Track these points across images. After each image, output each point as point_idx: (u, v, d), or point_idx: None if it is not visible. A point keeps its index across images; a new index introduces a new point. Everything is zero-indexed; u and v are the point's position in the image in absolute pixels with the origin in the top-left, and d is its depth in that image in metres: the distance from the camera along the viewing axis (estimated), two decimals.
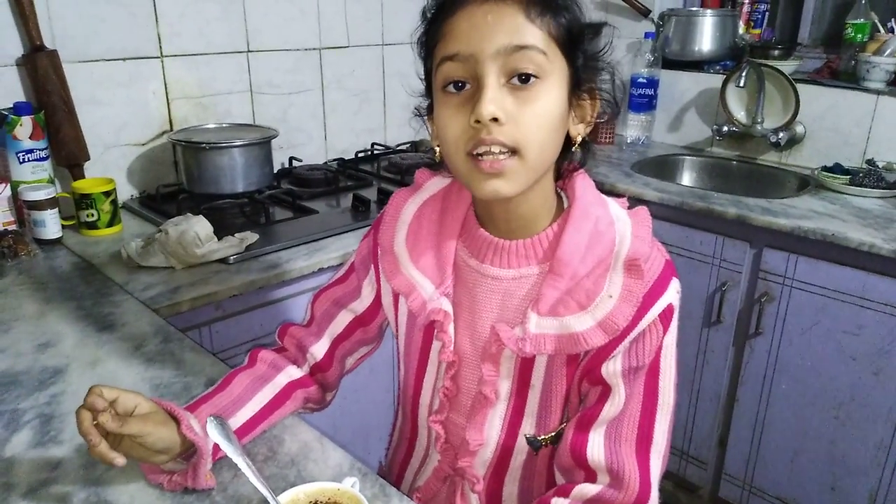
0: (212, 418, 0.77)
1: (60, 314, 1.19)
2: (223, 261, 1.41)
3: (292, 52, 2.00)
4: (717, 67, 2.39)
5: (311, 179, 1.90)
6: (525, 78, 0.70)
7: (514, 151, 0.70)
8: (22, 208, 1.49)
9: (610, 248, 0.78)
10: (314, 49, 2.05)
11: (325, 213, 1.70)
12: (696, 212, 1.85)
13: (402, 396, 0.97)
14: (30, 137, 1.51)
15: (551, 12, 0.71)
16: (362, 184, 1.92)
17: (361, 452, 0.92)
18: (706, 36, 2.38)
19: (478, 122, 0.69)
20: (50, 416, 0.91)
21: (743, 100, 2.28)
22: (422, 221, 0.87)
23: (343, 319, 0.96)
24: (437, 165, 0.82)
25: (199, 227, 1.39)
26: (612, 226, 0.79)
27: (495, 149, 0.70)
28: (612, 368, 0.78)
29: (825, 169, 2.00)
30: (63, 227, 1.52)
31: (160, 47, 1.74)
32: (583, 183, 0.82)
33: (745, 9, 2.47)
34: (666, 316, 0.77)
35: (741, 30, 2.45)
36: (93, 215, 1.53)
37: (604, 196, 0.83)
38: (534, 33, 0.70)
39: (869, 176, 1.89)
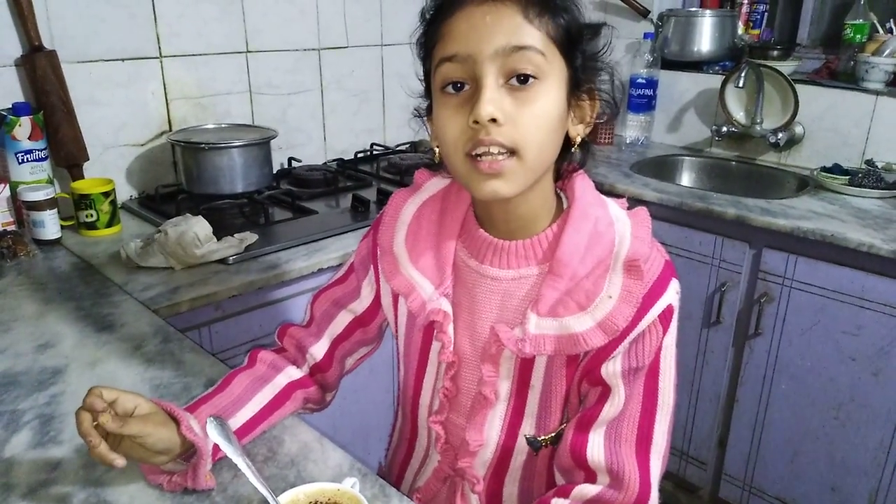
0: (212, 419, 0.77)
1: (60, 315, 1.19)
2: (222, 261, 1.41)
3: (291, 53, 2.00)
4: (717, 68, 2.39)
5: (311, 180, 1.90)
6: (524, 79, 0.70)
7: (512, 152, 0.70)
8: (21, 209, 1.49)
9: (609, 248, 0.78)
10: (313, 49, 2.05)
11: (325, 214, 1.70)
12: (695, 212, 1.85)
13: (402, 397, 0.97)
14: (29, 138, 1.51)
15: (550, 13, 0.71)
16: (362, 184, 1.92)
17: (361, 453, 0.92)
18: (705, 36, 2.38)
19: (476, 122, 0.69)
20: (49, 416, 0.91)
21: (742, 100, 2.28)
22: (421, 222, 0.87)
23: (342, 320, 0.96)
24: (437, 166, 0.82)
25: (198, 227, 1.39)
26: (612, 226, 0.79)
27: (494, 149, 0.70)
28: (612, 369, 0.78)
29: (824, 169, 2.00)
30: (62, 227, 1.52)
31: (159, 48, 1.74)
32: (582, 183, 0.82)
33: (744, 9, 2.47)
34: (665, 316, 0.77)
35: (740, 30, 2.46)
36: (92, 216, 1.53)
37: (603, 197, 0.83)
38: (532, 34, 0.70)
39: (868, 176, 1.90)
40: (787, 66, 2.19)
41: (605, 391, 0.79)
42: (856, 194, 1.88)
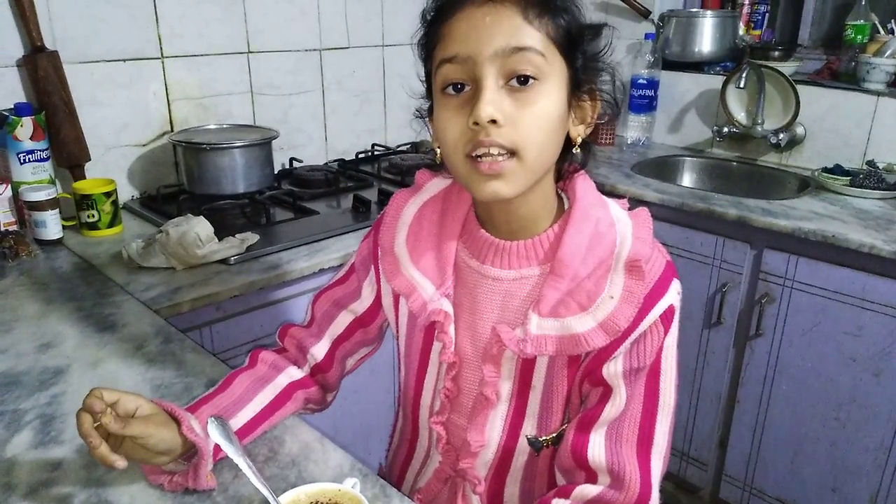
0: (212, 419, 0.77)
1: (61, 315, 1.19)
2: (224, 261, 1.41)
3: (293, 53, 2.00)
4: (718, 68, 2.39)
5: (312, 180, 1.90)
6: (524, 79, 0.70)
7: (512, 153, 0.70)
8: (23, 209, 1.49)
9: (611, 249, 0.78)
10: (314, 50, 2.05)
11: (326, 214, 1.70)
12: (696, 213, 1.85)
13: (403, 398, 0.97)
14: (30, 138, 1.51)
15: (550, 14, 0.71)
16: (363, 185, 1.92)
17: (362, 453, 0.92)
18: (706, 37, 2.37)
19: (476, 124, 0.69)
20: (51, 416, 0.91)
21: (743, 101, 2.28)
22: (422, 222, 0.87)
23: (343, 320, 0.96)
24: (438, 166, 0.82)
25: (199, 227, 1.39)
26: (613, 227, 0.79)
27: (494, 151, 0.70)
28: (613, 369, 0.78)
29: (825, 170, 2.00)
30: (64, 227, 1.52)
31: (161, 48, 1.75)
32: (583, 184, 0.82)
33: (746, 10, 2.47)
34: (667, 317, 0.77)
35: (741, 31, 2.45)
36: (93, 216, 1.53)
37: (604, 197, 0.83)
38: (532, 35, 0.70)
39: (869, 177, 1.89)
40: (788, 67, 2.19)
41: (607, 391, 0.79)
42: (857, 195, 1.88)
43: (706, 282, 1.88)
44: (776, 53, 2.24)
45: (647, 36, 2.40)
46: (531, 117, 0.70)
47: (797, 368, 1.76)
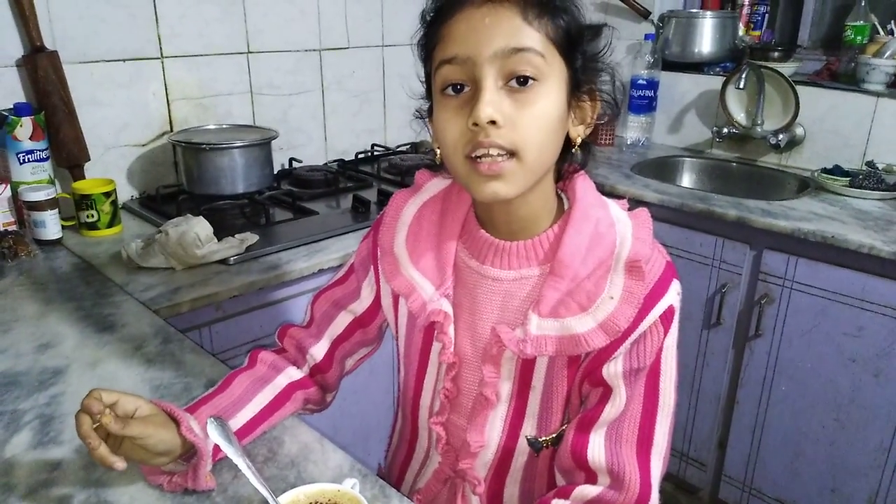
0: (212, 419, 0.77)
1: (60, 315, 1.19)
2: (223, 262, 1.41)
3: (292, 53, 2.00)
4: (717, 69, 2.39)
5: (312, 180, 1.90)
6: (523, 80, 0.70)
7: (512, 154, 0.70)
8: (22, 209, 1.49)
9: (611, 249, 0.78)
10: (314, 50, 2.05)
11: (326, 214, 1.70)
12: (696, 213, 1.85)
13: (402, 398, 0.96)
14: (30, 138, 1.51)
15: (549, 14, 0.71)
16: (362, 185, 1.92)
17: (361, 454, 0.92)
18: (706, 38, 2.38)
19: (476, 124, 0.69)
20: (50, 416, 0.91)
21: (743, 101, 2.28)
22: (422, 223, 0.86)
23: (342, 321, 0.96)
24: (438, 167, 0.82)
25: (199, 227, 1.39)
26: (613, 227, 0.79)
27: (493, 151, 0.70)
28: (613, 370, 0.78)
29: (825, 171, 2.00)
30: (63, 227, 1.52)
31: (160, 48, 1.74)
32: (583, 184, 0.82)
33: (745, 10, 2.47)
34: (667, 317, 0.77)
35: (741, 31, 2.45)
36: (93, 216, 1.53)
37: (604, 198, 0.83)
38: (531, 36, 0.70)
39: (869, 178, 1.89)
40: (787, 68, 2.19)
41: (606, 392, 0.79)
42: (856, 196, 1.88)
43: (706, 282, 1.88)
44: (776, 54, 2.24)
45: (646, 36, 2.40)
46: (531, 118, 0.70)
47: (797, 369, 1.76)
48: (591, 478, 0.79)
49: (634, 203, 0.87)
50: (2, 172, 1.52)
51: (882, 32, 2.08)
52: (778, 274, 1.74)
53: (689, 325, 1.91)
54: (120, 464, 0.72)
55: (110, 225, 1.55)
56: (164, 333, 1.13)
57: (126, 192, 1.76)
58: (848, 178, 1.92)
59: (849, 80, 2.10)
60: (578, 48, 0.74)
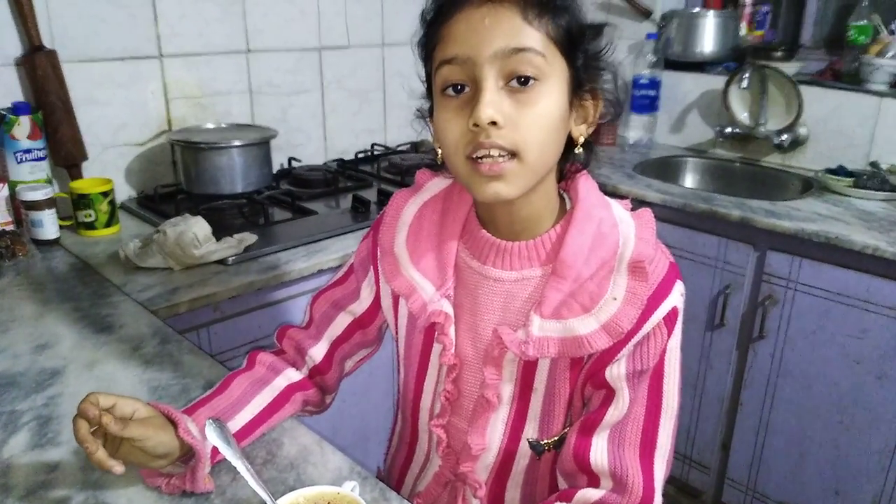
0: (210, 421, 0.76)
1: (58, 315, 1.18)
2: (222, 262, 1.40)
3: (292, 53, 2.00)
4: (720, 69, 2.38)
5: (311, 180, 1.90)
6: (524, 80, 0.69)
7: (513, 154, 0.70)
8: (19, 208, 1.48)
9: (613, 250, 0.77)
10: (314, 49, 2.04)
11: (325, 214, 1.69)
12: (699, 214, 1.84)
13: (402, 400, 0.96)
14: (28, 137, 1.50)
15: (550, 13, 0.70)
16: (362, 185, 1.91)
17: (361, 456, 0.91)
18: (708, 37, 2.37)
19: (476, 125, 0.68)
20: (48, 417, 0.91)
21: (746, 101, 2.28)
22: (422, 222, 0.86)
23: (342, 321, 0.95)
24: (439, 166, 0.81)
25: (197, 227, 1.38)
26: (616, 228, 0.79)
27: (494, 152, 0.69)
28: (616, 372, 0.77)
29: (828, 171, 2.00)
30: (61, 227, 1.51)
31: (159, 47, 1.74)
32: (586, 184, 0.81)
33: (748, 10, 2.46)
34: (670, 319, 0.77)
35: (743, 31, 2.45)
36: (91, 216, 1.52)
37: (607, 198, 0.82)
38: (532, 35, 0.69)
39: (872, 178, 1.89)
40: (790, 67, 2.18)
41: (609, 394, 0.78)
42: (860, 196, 1.87)
43: (709, 283, 1.87)
44: (779, 54, 2.24)
45: (648, 36, 2.40)
46: (532, 118, 0.70)
47: (800, 371, 1.75)
48: (594, 481, 0.79)
49: (637, 203, 0.86)
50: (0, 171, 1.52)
51: (885, 32, 2.07)
52: (781, 275, 1.73)
53: (692, 327, 1.90)
54: (118, 467, 0.72)
55: (108, 225, 1.55)
56: (162, 334, 1.12)
57: (124, 192, 1.76)
58: (852, 179, 1.91)
59: (852, 79, 2.09)
60: (580, 47, 0.74)
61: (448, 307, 0.82)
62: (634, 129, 2.46)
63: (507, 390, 0.82)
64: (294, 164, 2.03)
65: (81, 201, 1.51)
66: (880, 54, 2.01)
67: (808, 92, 2.09)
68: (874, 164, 1.98)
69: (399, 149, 2.27)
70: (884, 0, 2.16)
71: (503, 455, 0.85)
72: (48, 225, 1.47)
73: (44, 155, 1.54)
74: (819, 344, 1.70)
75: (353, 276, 0.95)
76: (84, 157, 1.64)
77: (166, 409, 0.78)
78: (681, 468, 2.07)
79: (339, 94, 2.14)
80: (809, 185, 2.00)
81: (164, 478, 0.78)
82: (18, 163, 1.51)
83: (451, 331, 0.83)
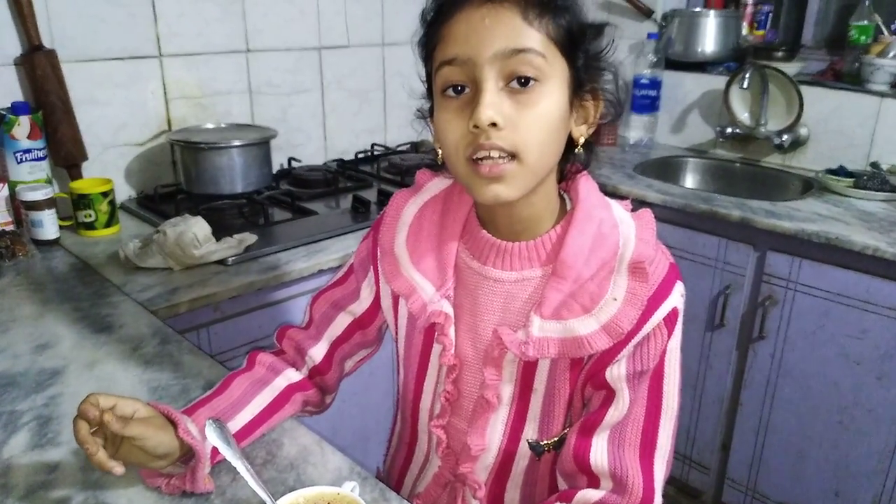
0: (210, 421, 0.76)
1: (58, 315, 1.18)
2: (221, 262, 1.40)
3: (292, 52, 1.99)
4: (721, 69, 2.38)
5: (311, 180, 1.89)
6: (524, 81, 0.69)
7: (513, 156, 0.70)
8: (19, 208, 1.48)
9: (614, 250, 0.77)
10: (314, 49, 2.04)
11: (325, 215, 1.69)
12: (699, 214, 1.84)
13: (402, 401, 0.96)
14: (28, 137, 1.50)
15: (550, 14, 0.70)
16: (362, 185, 1.91)
17: (361, 456, 0.91)
18: (709, 37, 2.37)
19: (476, 126, 0.68)
20: (48, 417, 0.91)
21: (746, 101, 2.27)
22: (423, 223, 0.86)
23: (342, 322, 0.95)
24: (439, 166, 0.81)
25: (197, 227, 1.38)
26: (616, 228, 0.78)
27: (494, 154, 0.69)
28: (617, 372, 0.77)
29: (829, 171, 1.99)
30: (61, 227, 1.51)
31: (159, 47, 1.74)
32: (586, 185, 0.81)
33: (749, 10, 2.45)
34: (670, 320, 0.77)
35: (745, 31, 2.44)
36: (90, 216, 1.52)
37: (607, 198, 0.82)
38: (532, 36, 0.69)
39: (873, 179, 1.89)
40: (791, 68, 2.18)
41: (609, 395, 0.78)
42: (861, 197, 1.87)
43: (709, 284, 1.87)
44: (780, 54, 2.24)
45: (649, 35, 2.39)
46: (532, 119, 0.69)
47: (800, 371, 1.75)
48: (594, 482, 0.79)
49: (637, 203, 0.86)
50: None
51: (886, 32, 2.08)
52: (781, 275, 1.73)
53: (692, 327, 1.90)
54: (118, 468, 0.72)
55: (108, 225, 1.54)
56: (162, 334, 1.12)
57: (124, 192, 1.76)
58: (852, 179, 1.91)
59: (853, 80, 2.09)
60: (580, 47, 0.73)
61: (448, 307, 0.82)
62: (635, 129, 2.46)
63: (507, 391, 0.82)
64: (294, 164, 2.03)
65: (81, 201, 1.51)
66: (881, 54, 2.00)
67: (808, 92, 2.09)
68: (874, 165, 1.98)
69: (399, 149, 2.26)
70: (885, 0, 2.16)
71: (503, 456, 0.85)
72: (48, 225, 1.47)
73: (44, 155, 1.54)
74: (819, 344, 1.70)
75: (353, 276, 0.94)
76: (84, 157, 1.63)
77: (166, 410, 0.78)
78: (681, 468, 2.06)
79: (339, 93, 2.13)
80: (810, 186, 2.00)
81: (164, 478, 0.78)
82: (18, 163, 1.51)
83: (451, 331, 0.82)
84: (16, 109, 1.49)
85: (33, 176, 1.53)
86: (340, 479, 0.80)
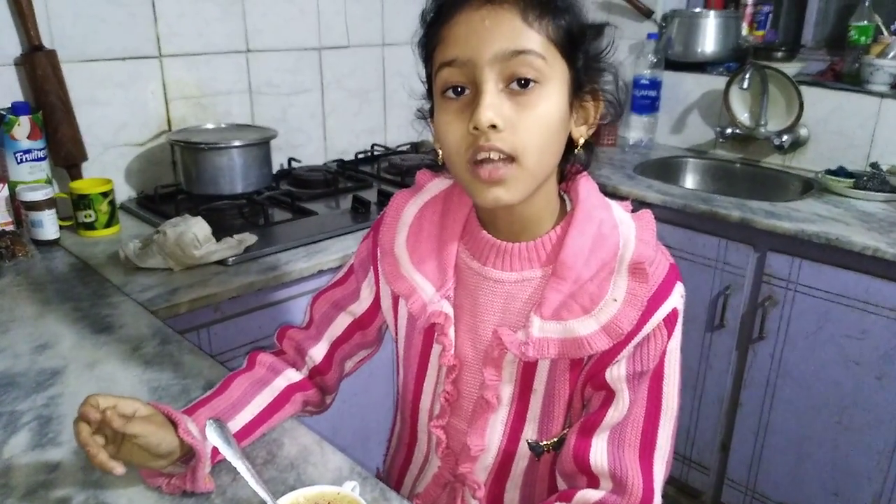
0: (211, 421, 0.76)
1: (58, 315, 1.18)
2: (222, 262, 1.40)
3: (292, 53, 1.99)
4: (721, 69, 2.38)
5: (311, 180, 1.89)
6: (524, 83, 0.69)
7: (512, 158, 0.69)
8: (19, 209, 1.48)
9: (614, 251, 0.77)
10: (314, 49, 2.04)
11: (325, 215, 1.69)
12: (699, 215, 1.84)
13: (402, 401, 0.96)
14: (28, 137, 1.50)
15: (550, 15, 0.70)
16: (362, 185, 1.91)
17: (361, 456, 0.91)
18: (709, 37, 2.37)
19: (476, 128, 0.68)
20: (48, 417, 0.91)
21: (746, 102, 2.27)
22: (423, 223, 0.86)
23: (342, 322, 0.95)
24: (439, 167, 0.81)
25: (197, 228, 1.38)
26: (616, 229, 0.78)
27: (494, 155, 0.69)
28: (616, 373, 0.77)
29: (829, 172, 2.00)
30: (61, 227, 1.51)
31: (159, 47, 1.74)
32: (586, 185, 0.81)
33: (749, 10, 2.46)
34: (670, 320, 0.77)
35: (744, 31, 2.45)
36: (90, 216, 1.52)
37: (607, 199, 0.82)
38: (532, 37, 0.69)
39: (873, 179, 1.89)
40: (791, 68, 2.18)
41: (609, 396, 0.78)
42: (860, 197, 1.87)
43: (709, 284, 1.87)
44: (779, 54, 2.24)
45: (649, 36, 2.39)
46: (532, 121, 0.69)
47: (800, 372, 1.75)
48: (594, 482, 0.79)
49: (637, 204, 0.86)
50: None
51: (886, 33, 2.08)
52: (781, 276, 1.73)
53: (692, 328, 1.90)
54: (119, 469, 0.72)
55: (108, 225, 1.54)
56: (162, 334, 1.12)
57: (124, 192, 1.76)
58: (852, 180, 1.91)
59: (853, 80, 2.09)
60: (580, 48, 0.73)
61: (448, 308, 0.82)
62: (635, 129, 2.46)
63: (507, 391, 0.82)
64: (294, 164, 2.03)
65: (81, 202, 1.51)
66: (881, 55, 2.01)
67: (808, 92, 2.09)
68: (874, 165, 1.98)
69: (399, 149, 2.26)
70: (885, 0, 2.16)
71: (502, 456, 0.85)
72: (48, 225, 1.47)
73: (44, 155, 1.54)
74: (819, 345, 1.70)
75: (353, 276, 0.95)
76: (84, 157, 1.63)
77: (166, 410, 0.78)
78: (680, 469, 2.06)
79: (339, 94, 2.13)
80: (810, 186, 2.00)
81: (164, 478, 0.78)
82: (18, 163, 1.51)
83: (451, 332, 0.83)
84: (16, 109, 1.49)
85: (33, 176, 1.53)
86: (341, 479, 0.80)
